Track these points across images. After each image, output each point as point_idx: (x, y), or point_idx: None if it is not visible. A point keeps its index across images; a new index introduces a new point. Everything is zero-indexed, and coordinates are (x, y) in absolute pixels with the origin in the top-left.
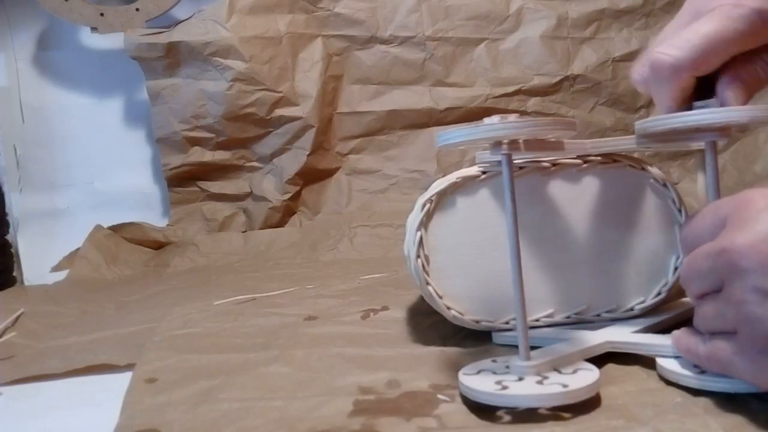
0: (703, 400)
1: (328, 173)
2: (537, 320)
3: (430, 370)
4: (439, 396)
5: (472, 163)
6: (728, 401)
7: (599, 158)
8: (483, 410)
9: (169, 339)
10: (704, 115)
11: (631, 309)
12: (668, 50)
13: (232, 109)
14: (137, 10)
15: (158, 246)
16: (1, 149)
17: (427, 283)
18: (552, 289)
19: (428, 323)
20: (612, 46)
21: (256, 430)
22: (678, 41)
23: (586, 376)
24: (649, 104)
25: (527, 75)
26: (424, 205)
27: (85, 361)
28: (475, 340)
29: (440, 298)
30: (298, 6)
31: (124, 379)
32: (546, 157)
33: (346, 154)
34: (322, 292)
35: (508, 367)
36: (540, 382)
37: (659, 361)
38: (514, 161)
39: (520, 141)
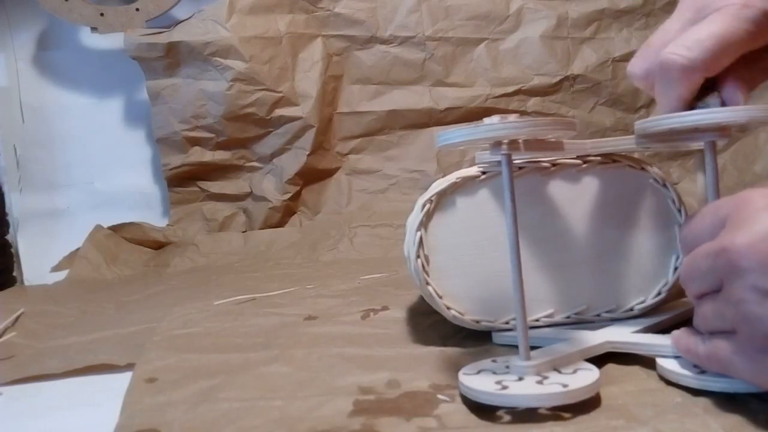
0: (703, 400)
1: (328, 173)
2: (537, 320)
3: (430, 370)
4: (439, 396)
5: (472, 163)
6: (728, 401)
7: (599, 158)
8: (483, 410)
9: (169, 339)
10: (703, 115)
11: (631, 309)
12: (680, 50)
13: (232, 109)
14: (137, 10)
15: (158, 246)
16: (1, 149)
17: (427, 284)
18: (552, 289)
19: (428, 323)
20: (612, 46)
21: (256, 429)
22: (688, 41)
23: (586, 376)
24: (650, 104)
25: (527, 75)
26: (423, 206)
27: (85, 361)
28: (475, 340)
29: (440, 298)
30: (298, 6)
31: (124, 379)
32: (546, 158)
33: (346, 154)
34: (322, 292)
35: (508, 367)
36: (540, 382)
37: (659, 361)
38: (514, 161)
39: (520, 141)
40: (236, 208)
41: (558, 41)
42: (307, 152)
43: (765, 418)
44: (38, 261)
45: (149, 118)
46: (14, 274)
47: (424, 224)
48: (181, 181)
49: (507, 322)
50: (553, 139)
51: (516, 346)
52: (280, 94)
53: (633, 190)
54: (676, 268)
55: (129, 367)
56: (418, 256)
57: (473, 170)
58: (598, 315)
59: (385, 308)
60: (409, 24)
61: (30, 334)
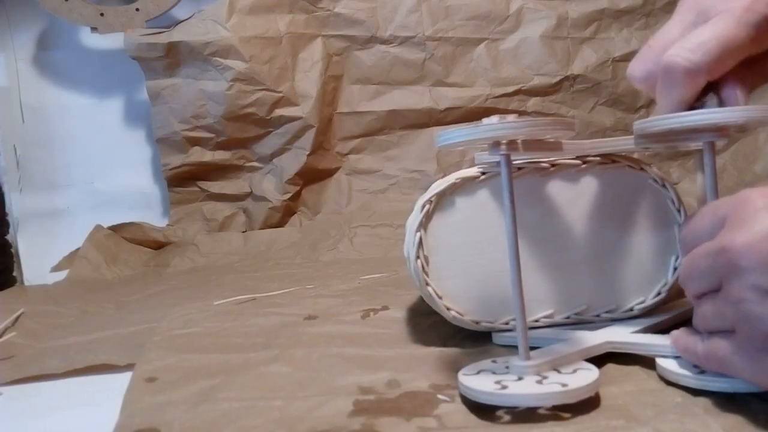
0: (703, 400)
1: (328, 173)
2: (537, 321)
3: (430, 371)
4: (439, 396)
5: (472, 164)
6: (728, 401)
7: (598, 158)
8: (483, 410)
9: (169, 339)
10: (701, 115)
11: (631, 309)
12: (683, 53)
13: (232, 109)
14: (137, 10)
15: (158, 246)
16: (1, 149)
17: (427, 284)
18: (552, 289)
19: (428, 323)
20: (612, 46)
21: (256, 429)
22: (692, 45)
23: (586, 375)
24: (650, 104)
25: (527, 75)
26: (423, 206)
27: (85, 361)
28: (475, 340)
29: (440, 298)
30: (298, 6)
31: (124, 379)
32: (545, 158)
33: (346, 154)
34: (322, 292)
35: (507, 367)
36: (539, 382)
37: (659, 361)
38: (514, 162)
39: (519, 141)
40: (236, 208)
41: (558, 41)
42: (307, 152)
43: (765, 418)
44: (38, 261)
45: (149, 118)
46: (14, 274)
47: (423, 225)
48: (181, 181)
49: (507, 323)
50: (551, 140)
51: (516, 347)
52: (280, 94)
53: (632, 191)
54: (675, 268)
55: (129, 367)
56: (417, 257)
57: (473, 171)
58: (598, 315)
59: (385, 308)
60: (409, 24)
61: (30, 334)
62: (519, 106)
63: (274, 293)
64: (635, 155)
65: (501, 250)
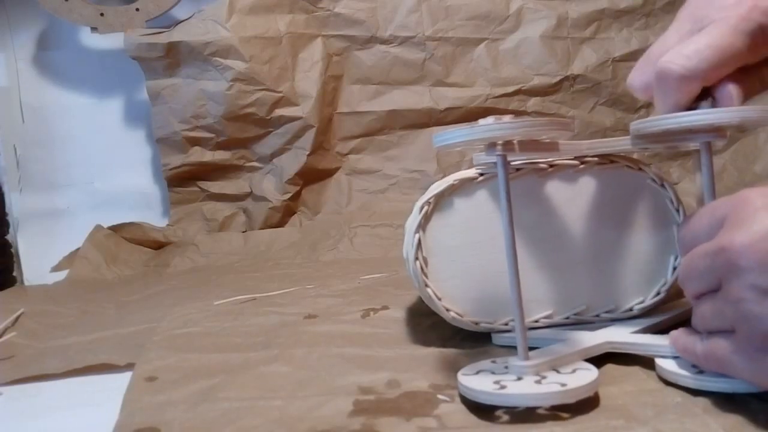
0: (703, 400)
1: (328, 173)
2: (536, 321)
3: (430, 371)
4: (439, 396)
5: (472, 164)
6: (727, 401)
7: (596, 159)
8: (482, 410)
9: (169, 339)
10: (696, 116)
11: (630, 309)
12: (678, 60)
13: (232, 109)
14: (137, 10)
15: (158, 246)
16: (1, 149)
17: (426, 285)
18: (551, 290)
19: (428, 324)
20: (612, 46)
21: (255, 429)
22: (687, 51)
23: (585, 375)
24: (649, 105)
25: (527, 75)
26: (422, 208)
27: (85, 361)
28: (475, 341)
29: (439, 300)
30: (298, 6)
31: (123, 379)
32: (542, 158)
33: (346, 154)
34: (322, 292)
35: (506, 367)
36: (538, 382)
37: (658, 361)
38: (512, 163)
39: (515, 142)
40: (236, 208)
41: (558, 41)
42: (307, 152)
43: (765, 418)
44: (38, 261)
45: (149, 118)
46: (14, 274)
47: (422, 226)
48: (181, 181)
49: (506, 323)
50: (548, 140)
51: (515, 347)
52: (280, 94)
53: (631, 191)
54: (674, 268)
55: (129, 367)
56: (416, 258)
57: (471, 172)
58: (597, 315)
59: (385, 308)
60: (409, 24)
61: (30, 334)
62: (519, 106)
63: (274, 293)
64: (634, 155)
65: (500, 250)
